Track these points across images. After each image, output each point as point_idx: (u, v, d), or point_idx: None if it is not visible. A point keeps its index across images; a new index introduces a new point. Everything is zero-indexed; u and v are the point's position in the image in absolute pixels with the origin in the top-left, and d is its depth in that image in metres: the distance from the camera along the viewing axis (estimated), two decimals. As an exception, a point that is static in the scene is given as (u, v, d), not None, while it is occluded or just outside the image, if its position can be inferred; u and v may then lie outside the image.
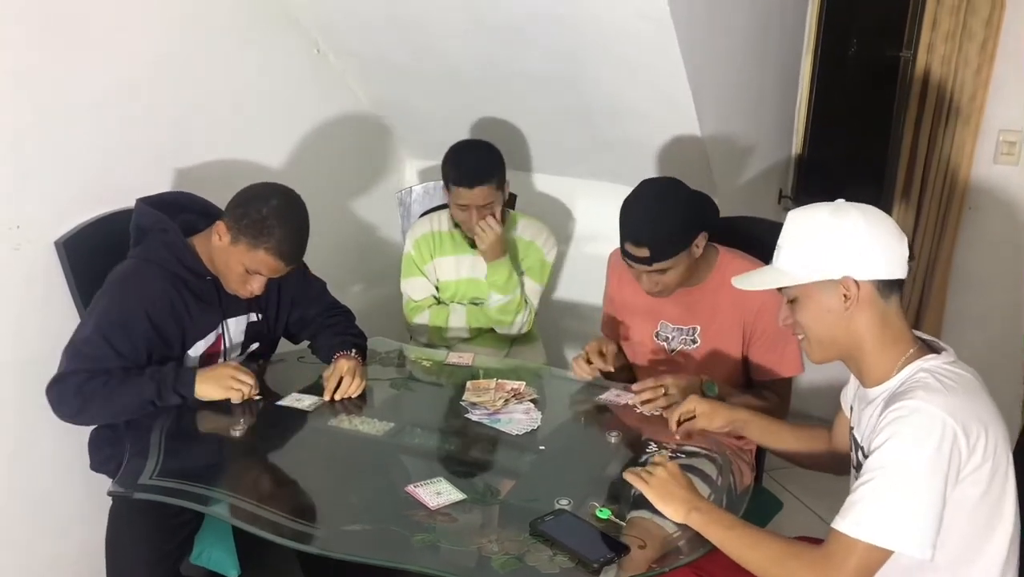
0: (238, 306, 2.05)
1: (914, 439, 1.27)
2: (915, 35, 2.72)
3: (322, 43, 2.82)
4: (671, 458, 1.64)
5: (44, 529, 2.16)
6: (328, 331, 2.18)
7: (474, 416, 1.90)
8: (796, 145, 3.15)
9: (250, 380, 1.91)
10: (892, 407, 1.31)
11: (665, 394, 1.90)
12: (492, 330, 2.58)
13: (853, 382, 1.59)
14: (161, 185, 2.29)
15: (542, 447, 1.81)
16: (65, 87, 2.05)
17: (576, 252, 3.15)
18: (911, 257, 1.42)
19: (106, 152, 2.17)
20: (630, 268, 1.98)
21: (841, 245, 1.38)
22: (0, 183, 1.96)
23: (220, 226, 1.90)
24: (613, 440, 1.83)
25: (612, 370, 2.07)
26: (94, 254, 2.06)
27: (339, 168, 3.04)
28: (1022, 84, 2.60)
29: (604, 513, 1.52)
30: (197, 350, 2.01)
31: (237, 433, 1.83)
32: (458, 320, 2.55)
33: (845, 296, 1.38)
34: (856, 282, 1.37)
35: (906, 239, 1.41)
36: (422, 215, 2.76)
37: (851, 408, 1.58)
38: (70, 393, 1.81)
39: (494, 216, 2.40)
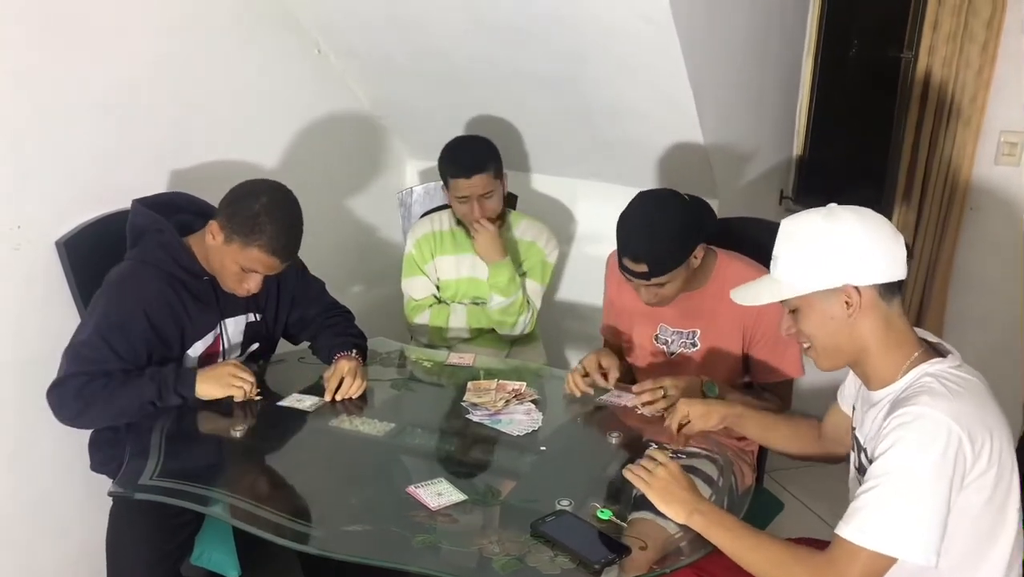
0: (236, 306, 2.05)
1: (919, 445, 1.27)
2: (916, 36, 2.71)
3: (322, 43, 2.82)
4: (672, 459, 1.64)
5: (44, 530, 2.16)
6: (328, 331, 2.18)
7: (475, 417, 1.90)
8: (797, 146, 3.14)
9: (250, 378, 1.91)
10: (897, 413, 1.31)
11: (664, 396, 1.89)
12: (493, 330, 2.58)
13: (853, 380, 1.59)
14: (161, 185, 2.29)
15: (543, 448, 1.81)
16: (65, 87, 2.05)
17: (577, 252, 3.14)
18: (909, 256, 1.41)
19: (106, 152, 2.17)
20: (628, 281, 1.97)
21: (839, 251, 1.37)
22: (0, 183, 1.95)
23: (213, 225, 1.90)
24: (614, 441, 1.83)
25: (611, 388, 2.03)
26: (94, 254, 2.06)
27: (339, 168, 3.04)
28: (1023, 85, 2.60)
29: (605, 514, 1.52)
30: (196, 350, 2.00)
31: (237, 434, 1.82)
32: (459, 320, 2.55)
33: (847, 303, 1.37)
34: (857, 288, 1.36)
35: (903, 238, 1.40)
36: (423, 215, 2.77)
37: (853, 408, 1.58)
38: (70, 396, 1.81)
39: (490, 220, 2.41)
